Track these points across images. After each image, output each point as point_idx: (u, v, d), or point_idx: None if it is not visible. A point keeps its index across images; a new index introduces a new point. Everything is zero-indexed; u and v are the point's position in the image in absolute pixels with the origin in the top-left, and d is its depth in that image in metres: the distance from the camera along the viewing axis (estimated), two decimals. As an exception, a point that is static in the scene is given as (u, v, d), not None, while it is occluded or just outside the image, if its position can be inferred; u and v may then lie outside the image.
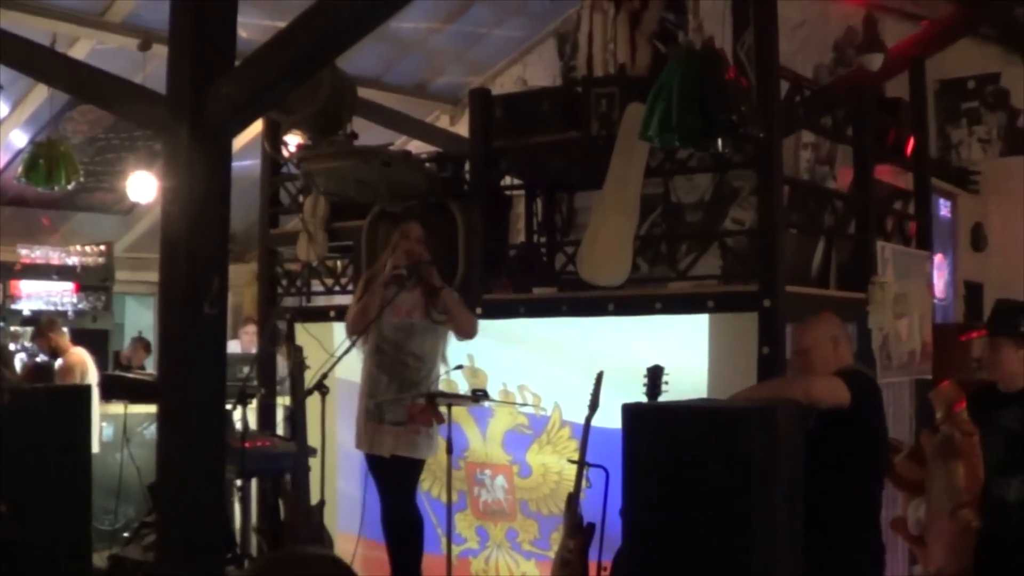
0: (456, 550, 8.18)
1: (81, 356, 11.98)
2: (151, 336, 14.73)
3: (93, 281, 14.88)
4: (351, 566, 6.61)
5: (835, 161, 12.59)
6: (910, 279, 9.40)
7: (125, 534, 10.22)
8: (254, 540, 8.70)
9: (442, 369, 7.98)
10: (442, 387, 8.00)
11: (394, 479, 7.88)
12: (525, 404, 8.61)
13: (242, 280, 15.02)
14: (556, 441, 8.54)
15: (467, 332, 7.95)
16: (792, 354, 7.09)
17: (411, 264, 7.77)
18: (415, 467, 7.87)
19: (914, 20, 12.68)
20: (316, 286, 9.90)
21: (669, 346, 7.76)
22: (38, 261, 14.53)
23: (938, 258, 10.66)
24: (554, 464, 8.56)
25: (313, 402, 7.88)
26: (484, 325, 8.16)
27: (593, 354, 8.11)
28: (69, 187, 12.62)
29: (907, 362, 9.27)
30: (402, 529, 7.92)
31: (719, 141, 6.98)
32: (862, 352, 8.22)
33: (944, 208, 13.38)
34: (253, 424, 8.96)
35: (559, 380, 8.44)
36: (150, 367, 14.68)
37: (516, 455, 8.75)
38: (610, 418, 6.51)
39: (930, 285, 10.20)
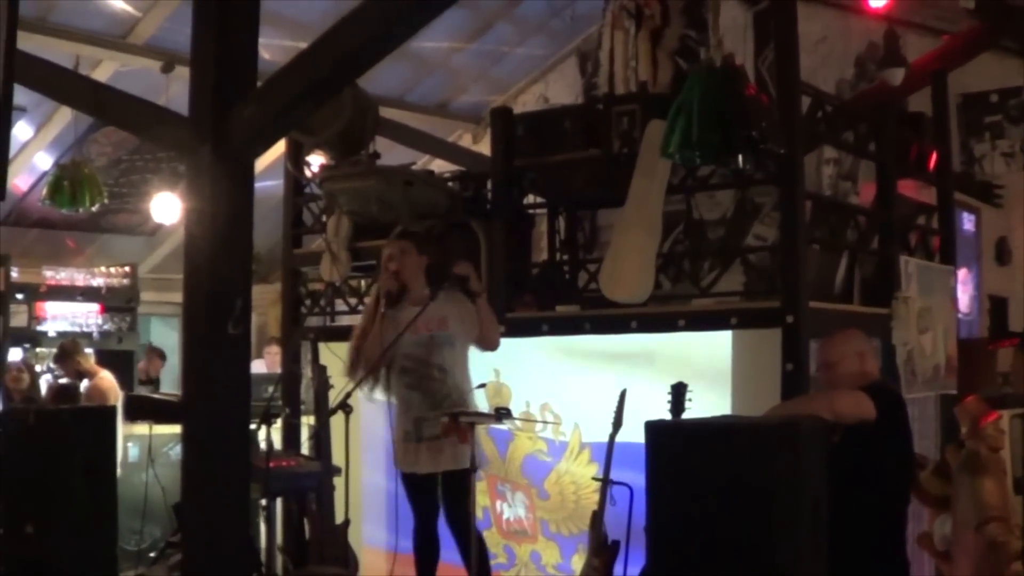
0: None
1: (111, 380, 12.01)
2: (175, 356, 14.77)
3: (118, 302, 14.92)
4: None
5: (857, 176, 12.56)
6: (934, 294, 9.37)
7: (151, 554, 10.23)
8: (279, 560, 8.70)
9: (472, 381, 7.93)
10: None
11: (430, 497, 7.85)
12: (546, 422, 8.60)
13: (266, 300, 15.05)
14: (575, 468, 8.53)
15: (491, 343, 7.89)
16: (817, 369, 7.07)
17: (457, 273, 7.75)
18: (461, 478, 7.59)
19: (936, 34, 12.67)
20: (340, 306, 9.92)
21: (692, 363, 7.75)
22: (63, 283, 14.57)
23: (962, 272, 10.62)
24: (570, 485, 8.55)
25: (337, 422, 7.88)
26: (509, 341, 8.16)
27: (617, 371, 8.09)
28: (93, 209, 12.69)
29: (932, 377, 9.24)
30: (432, 549, 7.92)
31: (740, 157, 6.99)
32: (886, 367, 8.19)
33: (968, 222, 13.34)
34: (278, 444, 8.96)
35: (582, 398, 8.42)
36: (166, 377, 14.75)
37: (534, 479, 8.74)
38: (634, 433, 6.49)
39: (954, 300, 10.17)
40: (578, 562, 8.00)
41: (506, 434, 8.74)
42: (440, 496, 7.78)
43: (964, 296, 11.51)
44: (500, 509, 8.94)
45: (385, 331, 7.68)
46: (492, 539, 8.86)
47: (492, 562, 8.40)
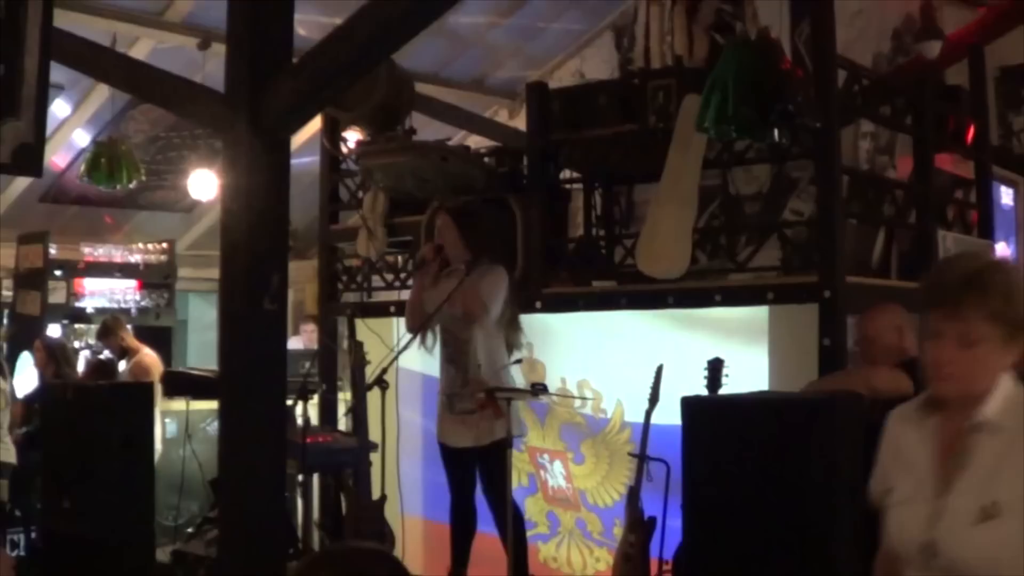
0: (528, 534, 8.17)
1: (154, 356, 12.07)
2: (213, 332, 14.80)
3: (156, 278, 14.95)
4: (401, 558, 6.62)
5: (894, 150, 12.48)
6: (972, 268, 9.31)
7: (188, 529, 10.27)
8: (316, 535, 8.73)
9: (507, 357, 7.94)
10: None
11: (465, 471, 7.92)
12: (585, 398, 8.61)
13: (303, 276, 15.08)
14: (614, 442, 8.54)
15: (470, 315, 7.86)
16: (855, 343, 7.06)
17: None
18: (497, 451, 7.65)
19: (972, 6, 12.58)
20: (376, 281, 9.93)
21: (729, 338, 7.75)
22: (101, 259, 14.61)
23: (1000, 246, 10.55)
24: (604, 449, 8.58)
25: (374, 397, 7.91)
26: (543, 316, 8.17)
27: (654, 347, 8.09)
28: (131, 186, 12.73)
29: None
30: (467, 521, 7.99)
31: (776, 132, 6.96)
32: (924, 343, 8.15)
33: (1006, 196, 13.24)
34: (315, 420, 9.00)
35: (620, 374, 8.42)
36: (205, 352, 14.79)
37: (571, 443, 8.77)
38: (671, 414, 6.49)
39: (992, 274, 10.10)
40: (619, 533, 8.01)
41: (543, 407, 8.75)
42: (478, 468, 7.84)
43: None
44: (544, 477, 8.97)
45: (427, 299, 7.79)
46: (536, 505, 8.91)
47: (532, 531, 8.46)
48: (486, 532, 8.02)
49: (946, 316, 3.36)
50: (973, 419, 3.37)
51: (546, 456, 8.92)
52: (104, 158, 12.34)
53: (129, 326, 12.87)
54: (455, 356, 7.87)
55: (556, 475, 8.90)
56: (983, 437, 3.36)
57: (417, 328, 7.89)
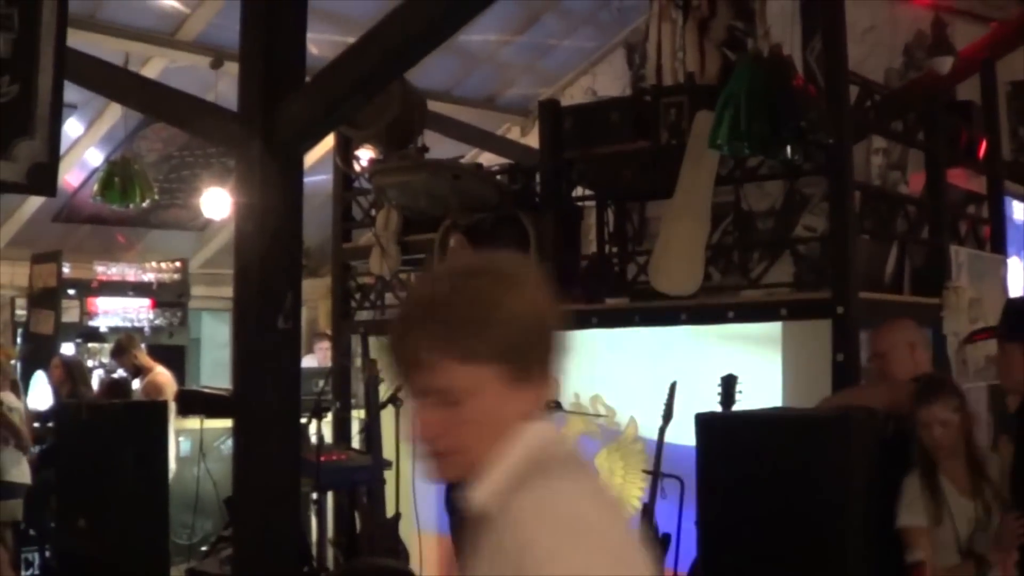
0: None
1: (168, 375, 12.09)
2: (226, 351, 14.82)
3: (169, 297, 14.96)
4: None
5: (907, 166, 12.48)
6: (985, 283, 9.31)
7: (203, 548, 10.27)
8: (330, 553, 8.73)
9: None
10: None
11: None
12: (599, 415, 8.61)
13: (316, 294, 15.09)
14: (628, 453, 8.53)
15: None
16: (868, 359, 7.05)
17: None
18: None
19: (984, 22, 12.57)
20: (390, 299, 9.93)
21: (743, 355, 7.75)
22: (114, 278, 14.62)
23: (1013, 261, 10.54)
24: (618, 462, 8.56)
25: (388, 415, 7.91)
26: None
27: (667, 361, 8.09)
28: (144, 204, 12.74)
29: (984, 367, 9.18)
30: None
31: (788, 148, 6.96)
32: (938, 358, 8.15)
33: (1019, 210, 13.24)
34: (329, 438, 9.00)
35: (633, 390, 8.42)
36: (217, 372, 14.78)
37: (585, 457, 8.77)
38: (686, 435, 6.47)
39: (1005, 289, 10.10)
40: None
41: (558, 419, 8.75)
42: None
43: (1015, 285, 11.42)
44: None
45: None
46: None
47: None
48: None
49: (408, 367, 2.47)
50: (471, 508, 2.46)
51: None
52: (117, 177, 12.35)
53: (143, 345, 12.89)
54: None
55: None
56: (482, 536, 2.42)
57: None
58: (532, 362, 2.45)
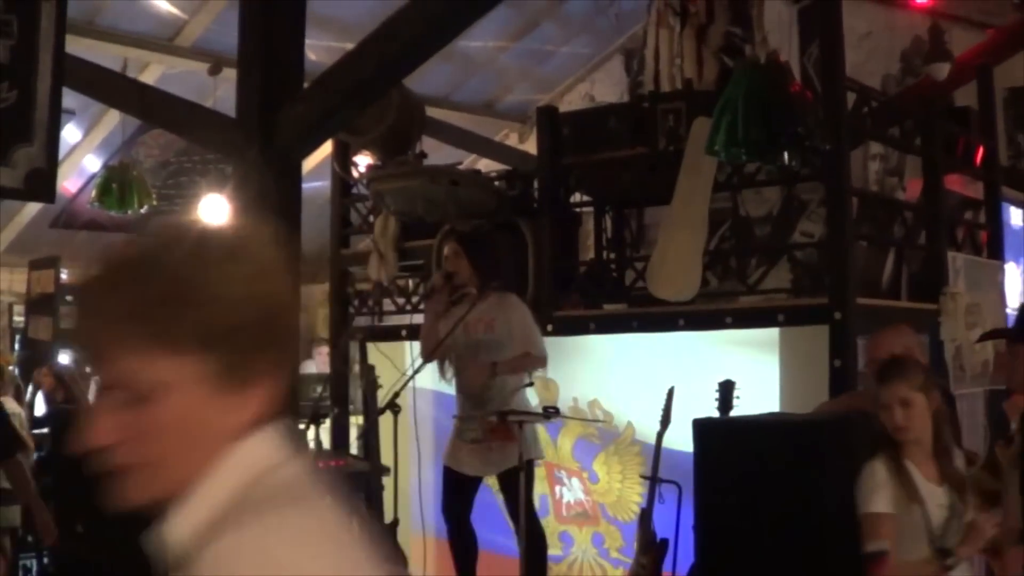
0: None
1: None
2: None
3: (166, 303, 14.94)
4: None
5: (904, 172, 12.50)
6: (982, 289, 9.33)
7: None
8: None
9: (517, 381, 7.90)
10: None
11: (464, 498, 7.88)
12: (597, 420, 8.61)
13: (314, 301, 15.08)
14: (625, 456, 8.54)
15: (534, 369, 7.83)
16: (865, 365, 7.05)
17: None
18: (513, 476, 7.49)
19: (981, 28, 12.59)
20: (388, 305, 9.94)
21: (740, 360, 7.75)
22: (112, 284, 14.61)
23: (1010, 267, 10.55)
24: (616, 466, 8.58)
25: (386, 421, 7.90)
26: (554, 339, 8.16)
27: (665, 369, 8.09)
28: (142, 211, 12.74)
29: (980, 372, 9.20)
30: (466, 542, 7.95)
31: (785, 154, 6.98)
32: (935, 363, 8.15)
33: (1016, 216, 13.26)
34: (326, 444, 8.99)
35: (631, 396, 8.43)
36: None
37: (584, 462, 8.78)
38: (684, 440, 6.48)
39: (1003, 294, 10.11)
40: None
41: (557, 423, 8.76)
42: (500, 493, 7.82)
43: (1012, 291, 11.44)
44: (560, 494, 8.98)
45: (441, 328, 7.74)
46: (549, 527, 8.88)
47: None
48: (504, 554, 8.01)
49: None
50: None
51: (563, 472, 8.93)
52: (115, 183, 12.36)
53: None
54: (465, 385, 7.83)
55: (575, 489, 8.91)
56: None
57: (430, 356, 7.84)
58: (250, 358, 1.87)
